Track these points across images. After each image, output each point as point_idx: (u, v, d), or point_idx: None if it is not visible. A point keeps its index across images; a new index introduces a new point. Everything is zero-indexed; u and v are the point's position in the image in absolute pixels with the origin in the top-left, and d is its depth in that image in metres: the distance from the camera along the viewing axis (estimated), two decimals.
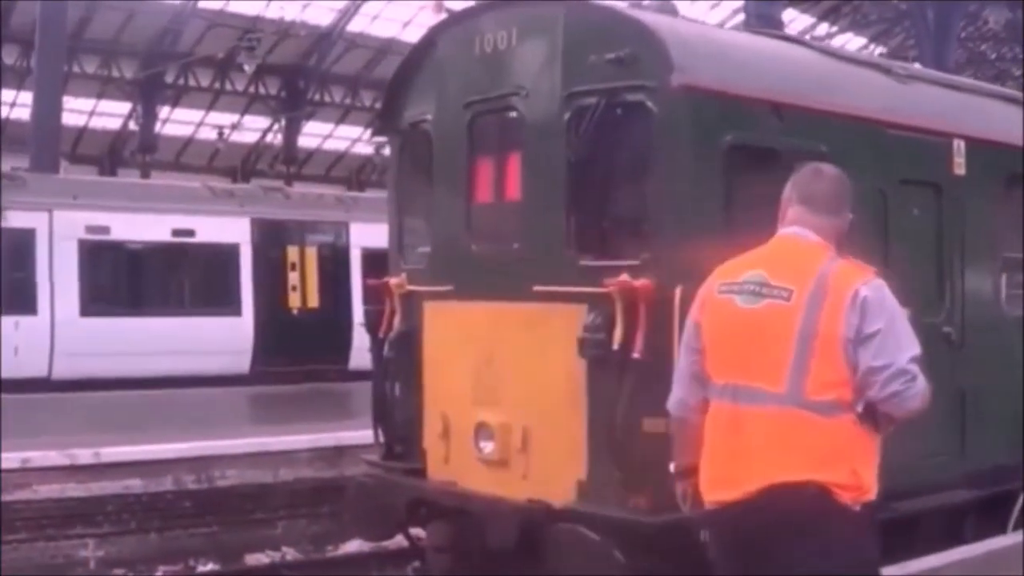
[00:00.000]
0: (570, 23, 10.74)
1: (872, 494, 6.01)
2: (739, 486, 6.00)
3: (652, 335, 9.61)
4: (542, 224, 10.79)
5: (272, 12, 53.97)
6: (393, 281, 12.23)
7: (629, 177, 10.77)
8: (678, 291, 9.45)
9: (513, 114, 11.26)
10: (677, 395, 6.60)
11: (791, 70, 11.36)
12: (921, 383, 5.94)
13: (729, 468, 6.09)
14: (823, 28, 60.71)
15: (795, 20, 55.31)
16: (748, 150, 10.15)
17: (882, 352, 5.87)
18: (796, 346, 5.94)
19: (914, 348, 5.97)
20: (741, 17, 47.10)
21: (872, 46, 62.90)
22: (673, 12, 11.59)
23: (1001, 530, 12.59)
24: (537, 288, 10.53)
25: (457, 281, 11.55)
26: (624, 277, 9.76)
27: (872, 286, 5.99)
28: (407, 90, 12.56)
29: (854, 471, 5.93)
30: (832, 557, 5.86)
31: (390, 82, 12.87)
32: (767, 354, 6.01)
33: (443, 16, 12.22)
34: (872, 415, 5.99)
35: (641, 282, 9.69)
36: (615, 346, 9.75)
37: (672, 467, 6.75)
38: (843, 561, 5.89)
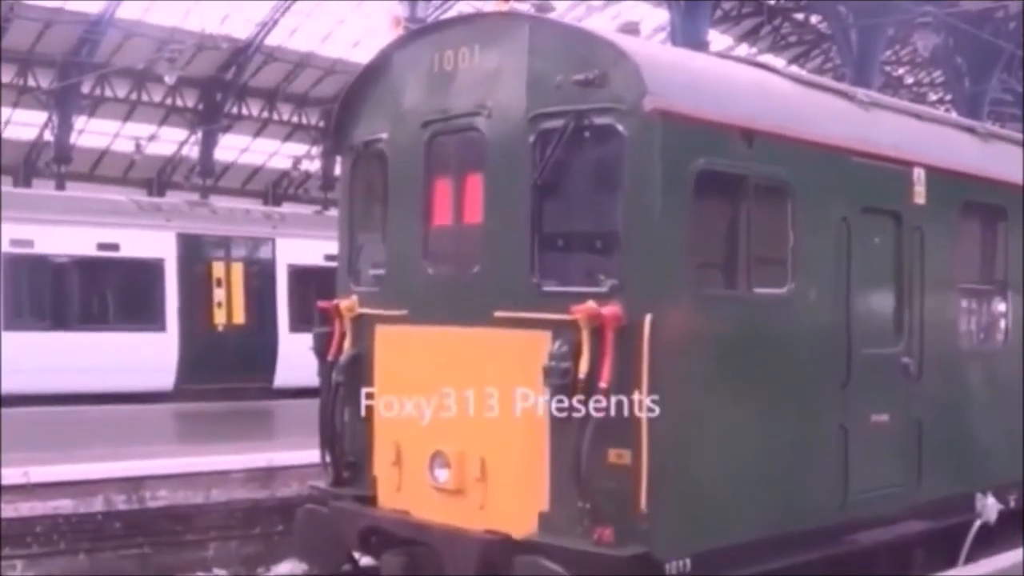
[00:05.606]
0: (535, 41, 10.45)
1: None
2: None
3: (620, 364, 9.41)
4: (505, 248, 10.51)
5: (190, 24, 53.34)
6: (343, 304, 11.89)
7: (596, 201, 10.53)
8: (648, 319, 9.26)
9: (474, 134, 10.91)
10: None
11: (761, 97, 11.17)
12: None
13: None
14: (743, 49, 60.88)
15: (715, 41, 55.38)
16: (718, 176, 9.97)
17: None
18: None
19: None
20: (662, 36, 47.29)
21: (792, 68, 63.22)
22: (636, 32, 11.42)
23: (952, 563, 12.48)
24: (498, 314, 10.28)
25: (412, 305, 11.26)
26: (591, 304, 9.53)
27: None
28: (360, 107, 12.21)
29: None
30: None
31: (342, 99, 12.47)
32: None
33: (400, 32, 11.79)
34: None
35: (608, 309, 9.49)
36: (581, 375, 9.52)
37: None
38: None
